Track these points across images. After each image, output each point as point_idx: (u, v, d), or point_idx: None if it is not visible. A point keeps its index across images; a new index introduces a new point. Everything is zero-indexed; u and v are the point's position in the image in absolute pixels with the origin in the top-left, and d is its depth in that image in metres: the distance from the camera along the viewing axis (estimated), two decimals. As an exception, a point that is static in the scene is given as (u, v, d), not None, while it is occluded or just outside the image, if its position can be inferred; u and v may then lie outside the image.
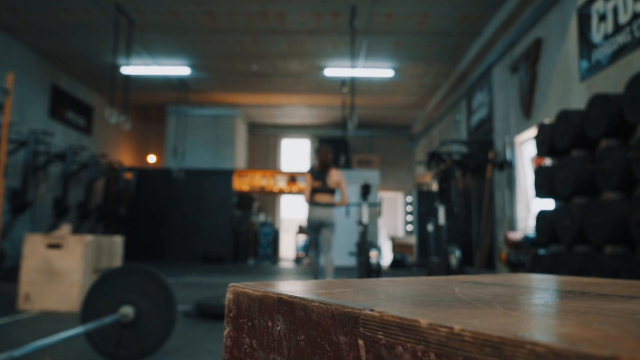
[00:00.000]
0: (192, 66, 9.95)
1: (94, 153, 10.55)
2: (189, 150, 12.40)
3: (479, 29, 7.97)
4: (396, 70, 9.87)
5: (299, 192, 12.43)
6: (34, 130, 8.23)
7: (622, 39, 4.38)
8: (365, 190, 6.61)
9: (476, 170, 8.24)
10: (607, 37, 4.60)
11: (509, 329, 0.31)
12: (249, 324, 0.51)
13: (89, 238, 4.32)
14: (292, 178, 12.60)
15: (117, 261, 4.93)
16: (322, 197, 4.97)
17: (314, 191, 4.98)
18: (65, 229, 4.49)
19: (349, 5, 7.09)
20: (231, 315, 0.54)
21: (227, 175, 12.14)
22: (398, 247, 12.28)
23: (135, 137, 14.65)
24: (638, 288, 0.59)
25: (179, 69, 10.01)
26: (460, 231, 8.94)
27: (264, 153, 15.40)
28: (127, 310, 2.49)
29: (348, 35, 8.00)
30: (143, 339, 2.51)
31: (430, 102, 12.01)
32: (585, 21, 4.98)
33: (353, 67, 8.12)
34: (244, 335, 0.52)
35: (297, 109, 13.29)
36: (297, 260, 12.57)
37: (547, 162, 4.76)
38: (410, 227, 13.94)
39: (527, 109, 6.40)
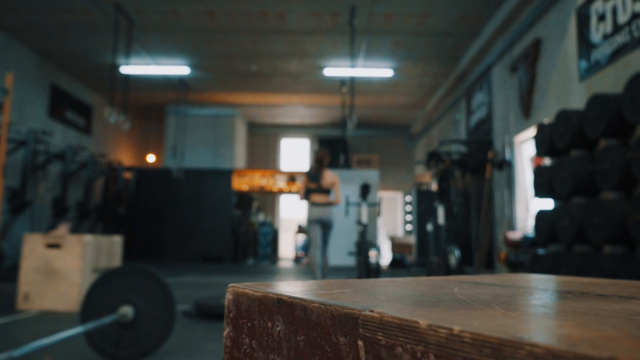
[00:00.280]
0: (191, 66, 9.95)
1: (94, 153, 10.54)
2: (189, 150, 12.40)
3: (478, 29, 7.98)
4: (395, 70, 9.87)
5: (298, 191, 12.43)
6: (33, 130, 8.22)
7: (621, 38, 4.38)
8: (365, 190, 6.62)
9: (475, 170, 8.24)
10: (606, 37, 4.61)
11: (508, 330, 0.31)
12: (249, 324, 0.51)
13: (88, 238, 4.31)
14: (292, 178, 12.60)
15: (116, 261, 4.93)
16: (318, 198, 5.26)
17: (311, 192, 5.27)
18: (63, 228, 4.49)
19: (349, 5, 7.09)
20: (231, 315, 0.54)
21: (226, 175, 12.14)
22: (397, 246, 12.28)
23: (135, 137, 14.65)
24: (637, 288, 0.59)
25: (179, 69, 10.00)
26: (459, 231, 8.94)
27: (263, 153, 15.40)
28: (127, 310, 2.49)
29: (348, 35, 8.00)
30: (142, 339, 2.51)
31: (430, 102, 12.01)
32: (585, 21, 4.98)
33: (352, 67, 8.12)
34: (244, 336, 0.52)
35: (296, 108, 13.29)
36: (297, 259, 12.57)
37: (547, 161, 4.76)
38: (409, 227, 13.94)
39: (526, 109, 6.41)
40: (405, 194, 14.83)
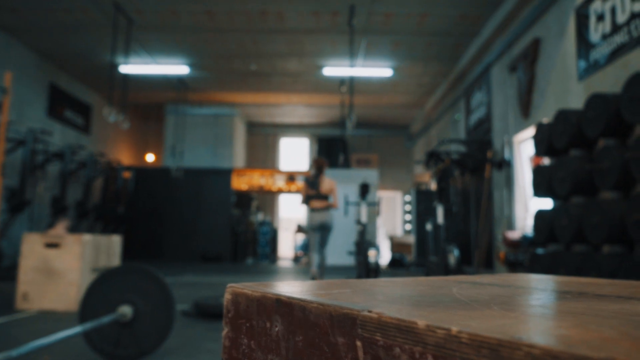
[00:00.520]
0: (191, 65, 9.94)
1: (93, 152, 10.53)
2: (188, 149, 12.39)
3: (477, 28, 7.98)
4: (395, 69, 9.87)
5: (298, 191, 12.43)
6: (32, 129, 8.21)
7: (620, 38, 4.38)
8: (364, 190, 6.62)
9: (475, 170, 8.24)
10: (605, 37, 4.61)
11: (506, 330, 0.31)
12: (247, 324, 0.51)
13: (87, 237, 4.31)
14: (291, 177, 12.60)
15: (115, 260, 4.92)
16: (317, 203, 5.61)
17: (311, 198, 5.64)
18: (61, 226, 4.48)
19: (348, 4, 7.09)
20: (229, 315, 0.54)
21: (225, 174, 12.13)
22: (397, 246, 12.29)
23: (134, 136, 14.64)
24: (636, 288, 0.59)
25: (178, 68, 9.99)
26: (458, 230, 8.94)
27: (262, 152, 15.39)
28: (126, 310, 2.49)
29: (347, 34, 7.99)
30: (141, 339, 2.51)
31: (429, 102, 12.01)
32: (584, 21, 4.99)
33: (352, 66, 8.12)
34: (243, 336, 0.52)
35: (295, 108, 13.29)
36: (296, 259, 12.57)
37: (545, 161, 4.76)
38: (408, 227, 13.95)
39: (525, 109, 6.41)
40: (404, 194, 14.83)
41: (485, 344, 0.29)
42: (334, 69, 9.86)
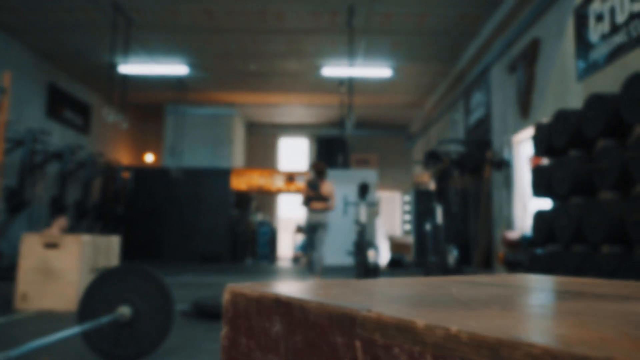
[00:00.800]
0: (190, 65, 9.94)
1: (92, 152, 10.53)
2: (187, 149, 12.38)
3: (477, 29, 7.98)
4: (394, 69, 9.87)
5: (297, 191, 12.43)
6: (31, 129, 8.21)
7: (619, 39, 4.39)
8: (363, 190, 6.62)
9: (474, 170, 8.24)
10: (604, 37, 4.61)
11: (505, 330, 0.31)
12: (247, 324, 0.51)
13: (86, 237, 4.31)
14: (290, 177, 12.60)
15: (114, 260, 4.92)
16: (317, 205, 5.98)
17: (311, 199, 6.00)
18: (56, 226, 4.48)
19: (347, 4, 7.09)
20: (228, 315, 0.54)
21: (225, 174, 12.13)
22: (396, 246, 12.29)
23: (133, 136, 14.63)
24: (635, 288, 0.60)
25: (177, 68, 9.99)
26: (457, 230, 8.94)
27: (262, 152, 15.39)
28: (125, 310, 2.49)
29: (346, 34, 8.00)
30: (141, 339, 2.51)
31: (428, 102, 12.02)
32: (583, 21, 4.99)
33: (351, 66, 8.13)
34: (242, 336, 0.52)
35: (295, 108, 13.29)
36: (295, 259, 12.57)
37: (545, 161, 4.77)
38: (408, 227, 13.95)
39: (524, 109, 6.41)
40: (403, 194, 14.83)
41: (484, 343, 0.29)
42: (334, 69, 9.86)
